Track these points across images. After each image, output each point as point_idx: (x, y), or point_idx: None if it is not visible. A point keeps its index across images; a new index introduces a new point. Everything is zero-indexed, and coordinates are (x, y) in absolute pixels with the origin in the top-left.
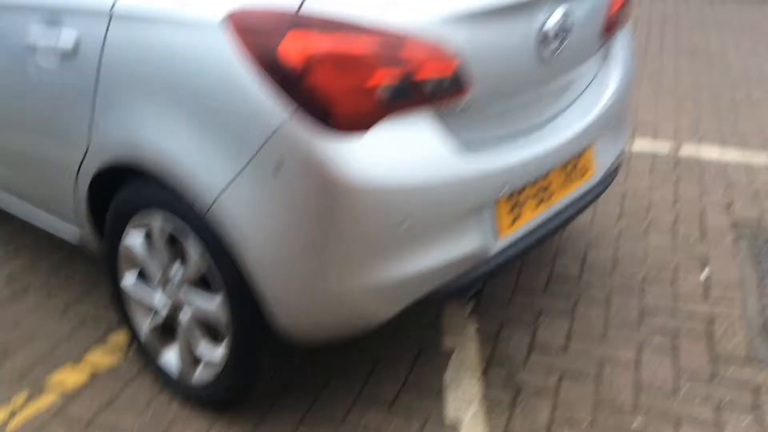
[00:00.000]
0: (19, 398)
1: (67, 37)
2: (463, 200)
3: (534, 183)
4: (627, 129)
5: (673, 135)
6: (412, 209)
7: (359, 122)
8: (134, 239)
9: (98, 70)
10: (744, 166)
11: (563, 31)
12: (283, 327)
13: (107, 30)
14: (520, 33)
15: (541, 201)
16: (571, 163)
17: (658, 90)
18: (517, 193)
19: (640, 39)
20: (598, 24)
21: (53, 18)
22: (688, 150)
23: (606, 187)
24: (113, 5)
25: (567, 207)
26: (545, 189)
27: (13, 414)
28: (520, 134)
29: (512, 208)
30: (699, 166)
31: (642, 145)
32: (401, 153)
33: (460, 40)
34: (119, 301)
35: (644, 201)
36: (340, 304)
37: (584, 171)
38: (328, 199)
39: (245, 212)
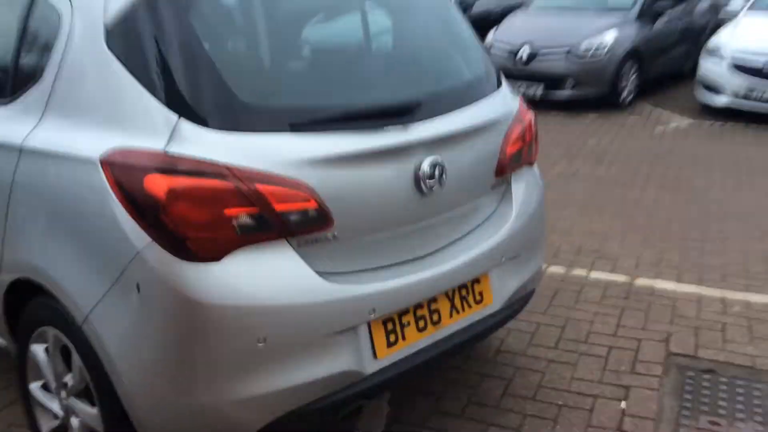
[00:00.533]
0: None
1: None
2: (325, 322)
3: (414, 308)
4: (535, 261)
5: (633, 267)
6: (270, 328)
7: (214, 250)
8: (37, 349)
9: (9, 196)
10: (695, 300)
11: (438, 174)
12: None
13: (17, 163)
14: (391, 175)
15: (426, 326)
16: (461, 291)
17: (630, 223)
18: (395, 317)
19: (625, 173)
20: (487, 165)
21: None
22: (642, 282)
23: (508, 318)
24: (23, 141)
25: (459, 333)
26: (432, 315)
27: None
28: (394, 262)
29: (390, 332)
30: (650, 297)
31: (598, 275)
32: (258, 277)
33: (317, 180)
34: (27, 403)
35: (585, 329)
36: (206, 416)
37: (479, 300)
38: (185, 318)
39: (112, 330)
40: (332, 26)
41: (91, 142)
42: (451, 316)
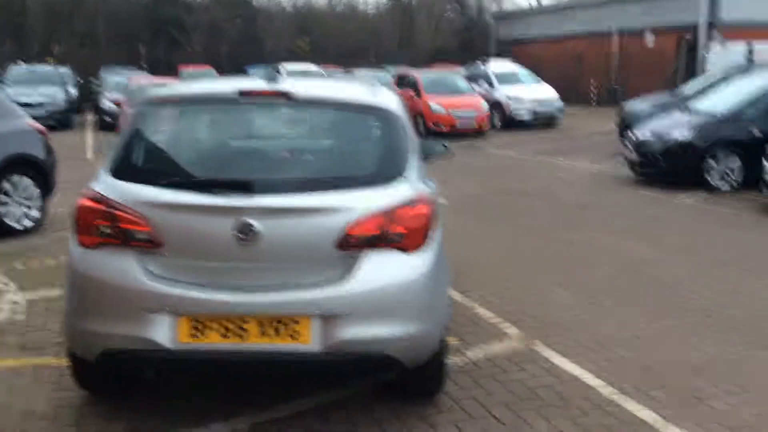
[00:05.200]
0: None
1: None
2: (138, 300)
3: (222, 319)
4: (385, 329)
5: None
6: (104, 292)
7: (89, 243)
8: None
9: None
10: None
11: (248, 232)
12: None
13: None
14: (214, 225)
15: (230, 336)
16: (275, 323)
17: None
18: (202, 319)
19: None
20: (323, 238)
21: None
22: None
23: (340, 366)
24: None
25: (267, 354)
26: (239, 329)
27: None
28: (211, 283)
29: (194, 327)
30: None
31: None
32: (108, 263)
33: (155, 216)
34: None
35: None
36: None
37: (294, 336)
38: (70, 277)
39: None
40: (226, 128)
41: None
42: (259, 338)
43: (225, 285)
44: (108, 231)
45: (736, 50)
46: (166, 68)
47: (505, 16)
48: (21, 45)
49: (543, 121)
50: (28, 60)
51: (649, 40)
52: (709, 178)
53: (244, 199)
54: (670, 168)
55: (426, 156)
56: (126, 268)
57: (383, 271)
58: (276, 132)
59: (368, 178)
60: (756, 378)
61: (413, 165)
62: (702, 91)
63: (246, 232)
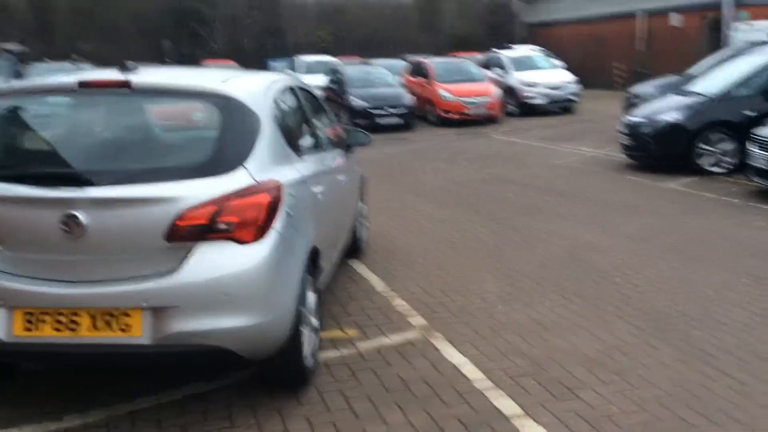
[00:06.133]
0: None
1: None
2: None
3: (54, 312)
4: (214, 321)
5: None
6: None
7: None
8: None
9: None
10: None
11: (72, 224)
12: None
13: None
14: (43, 217)
15: (62, 329)
16: (106, 316)
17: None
18: (36, 312)
19: None
20: (150, 230)
21: None
22: None
23: (169, 357)
24: None
25: (99, 347)
26: (70, 323)
27: None
28: (45, 277)
29: (28, 321)
30: None
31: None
32: None
33: None
34: None
35: None
36: None
37: (124, 329)
38: None
39: None
40: (63, 120)
41: None
42: (90, 331)
43: (57, 278)
44: None
45: (761, 28)
46: (190, 63)
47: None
48: (49, 42)
49: (560, 106)
50: (54, 57)
51: (676, 19)
52: (699, 162)
53: (70, 191)
54: (661, 151)
55: (349, 145)
56: None
57: (214, 262)
58: (113, 123)
59: (202, 167)
60: (640, 369)
61: (261, 154)
62: (706, 72)
63: (70, 225)
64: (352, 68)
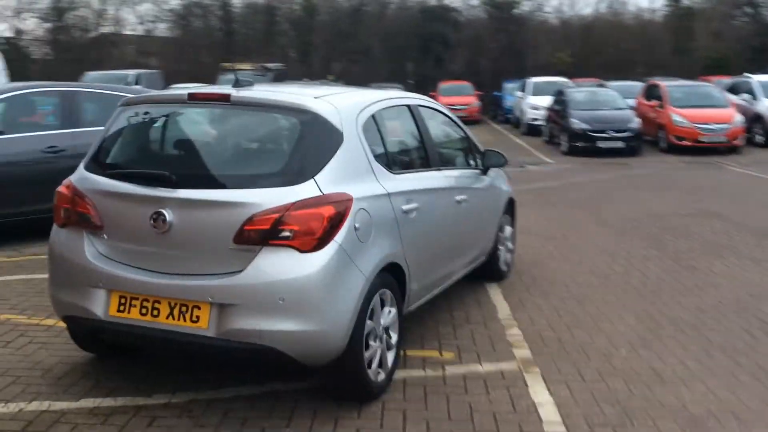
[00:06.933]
0: None
1: None
2: (81, 274)
3: (142, 298)
4: (272, 323)
5: None
6: (57, 264)
7: (60, 222)
8: None
9: None
10: None
11: (159, 221)
12: None
13: None
14: (138, 212)
15: (147, 314)
16: (181, 307)
17: None
18: (128, 296)
19: None
20: (222, 232)
21: None
22: None
23: (230, 350)
24: None
25: (173, 333)
26: (153, 309)
27: None
28: (137, 265)
29: (121, 303)
30: None
31: None
32: (65, 241)
33: (98, 201)
34: None
35: None
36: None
37: (195, 320)
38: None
39: None
40: (170, 127)
41: None
42: (168, 318)
43: (146, 267)
44: (67, 213)
45: None
46: (431, 84)
47: None
48: (309, 64)
49: None
50: (312, 77)
51: None
52: None
53: (160, 191)
54: None
55: (487, 166)
56: (76, 244)
57: (273, 267)
58: (210, 131)
59: (275, 176)
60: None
61: (336, 168)
62: None
63: (158, 221)
64: (577, 90)
